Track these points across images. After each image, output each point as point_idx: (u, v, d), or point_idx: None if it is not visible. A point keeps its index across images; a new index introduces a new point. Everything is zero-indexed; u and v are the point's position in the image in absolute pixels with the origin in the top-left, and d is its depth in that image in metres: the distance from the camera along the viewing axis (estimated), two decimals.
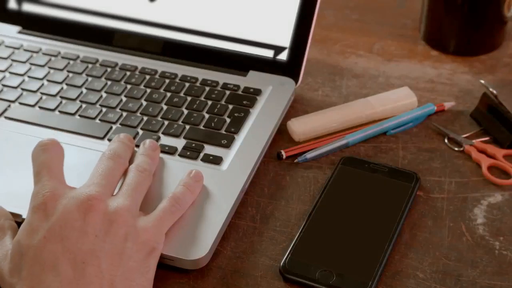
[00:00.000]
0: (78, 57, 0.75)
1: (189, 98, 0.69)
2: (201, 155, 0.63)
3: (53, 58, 0.75)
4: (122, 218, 0.50)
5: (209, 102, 0.69)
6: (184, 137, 0.65)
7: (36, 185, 0.51)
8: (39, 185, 0.51)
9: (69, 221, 0.48)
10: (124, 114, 0.68)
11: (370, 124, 0.69)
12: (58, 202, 0.49)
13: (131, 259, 0.49)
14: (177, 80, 0.72)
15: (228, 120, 0.67)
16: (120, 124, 0.66)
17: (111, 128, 0.66)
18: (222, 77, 0.72)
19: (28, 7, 0.79)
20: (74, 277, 0.46)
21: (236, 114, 0.67)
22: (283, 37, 0.71)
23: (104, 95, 0.70)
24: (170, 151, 0.63)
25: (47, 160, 0.53)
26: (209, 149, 0.63)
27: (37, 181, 0.52)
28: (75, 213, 0.49)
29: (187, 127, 0.66)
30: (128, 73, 0.73)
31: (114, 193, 0.54)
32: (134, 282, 0.48)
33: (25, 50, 0.77)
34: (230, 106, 0.68)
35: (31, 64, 0.75)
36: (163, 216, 0.53)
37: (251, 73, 0.72)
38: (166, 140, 0.64)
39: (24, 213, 0.57)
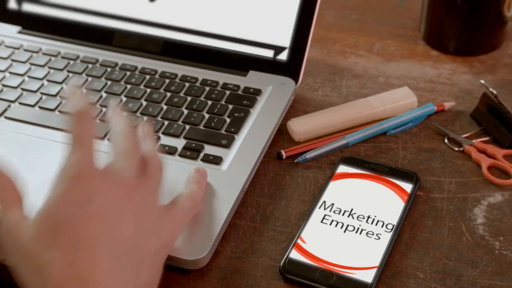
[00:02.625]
0: (78, 57, 0.75)
1: (189, 98, 0.69)
2: (201, 155, 0.63)
3: (53, 58, 0.75)
4: (153, 214, 0.50)
5: (209, 102, 0.69)
6: (184, 137, 0.65)
7: (70, 157, 0.48)
8: (73, 157, 0.48)
9: (112, 205, 0.47)
10: (124, 114, 0.67)
11: (370, 124, 0.69)
12: (96, 181, 0.47)
13: (157, 255, 0.49)
14: (177, 80, 0.72)
15: (228, 120, 0.67)
16: None
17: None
18: (222, 77, 0.72)
19: (28, 7, 0.79)
20: (111, 261, 0.45)
21: (236, 114, 0.67)
22: (283, 37, 0.71)
23: (104, 95, 0.70)
24: (170, 151, 0.63)
25: (81, 133, 0.49)
26: (209, 149, 0.63)
27: (71, 152, 0.48)
28: (118, 197, 0.47)
29: (187, 127, 0.66)
30: (128, 73, 0.73)
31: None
32: (157, 277, 0.49)
33: (25, 50, 0.77)
34: (230, 106, 0.68)
35: (31, 64, 0.75)
36: (186, 218, 0.54)
37: (251, 73, 0.72)
38: (166, 140, 0.65)
39: (24, 213, 0.57)
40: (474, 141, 0.67)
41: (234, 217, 0.59)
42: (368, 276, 0.53)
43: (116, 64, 0.74)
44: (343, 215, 0.58)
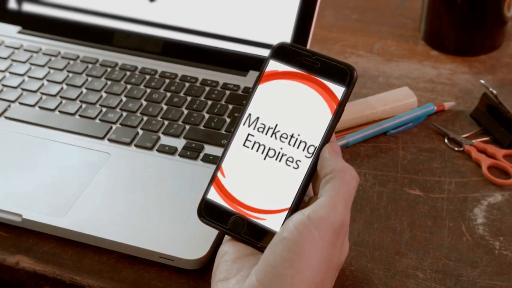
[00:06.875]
0: (78, 57, 0.75)
1: (189, 98, 0.69)
2: (201, 155, 0.63)
3: (53, 58, 0.75)
4: None
5: (209, 102, 0.69)
6: (184, 137, 0.65)
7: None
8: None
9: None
10: (124, 114, 0.68)
11: (370, 124, 0.69)
12: None
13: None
14: (177, 80, 0.72)
15: (228, 120, 0.67)
16: (120, 124, 0.66)
17: (111, 128, 0.66)
18: (222, 77, 0.72)
19: (28, 7, 0.79)
20: None
21: (236, 114, 0.67)
22: (283, 37, 0.71)
23: (104, 95, 0.70)
24: (170, 151, 0.63)
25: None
26: (209, 149, 0.63)
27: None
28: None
29: (187, 127, 0.66)
30: (128, 73, 0.73)
31: None
32: None
33: (25, 50, 0.77)
34: (230, 106, 0.68)
35: (31, 64, 0.75)
36: None
37: (251, 73, 0.72)
38: (166, 140, 0.65)
39: (24, 213, 0.57)
40: (474, 141, 0.67)
41: None
42: (277, 223, 0.49)
43: (116, 64, 0.74)
44: (266, 134, 0.51)
